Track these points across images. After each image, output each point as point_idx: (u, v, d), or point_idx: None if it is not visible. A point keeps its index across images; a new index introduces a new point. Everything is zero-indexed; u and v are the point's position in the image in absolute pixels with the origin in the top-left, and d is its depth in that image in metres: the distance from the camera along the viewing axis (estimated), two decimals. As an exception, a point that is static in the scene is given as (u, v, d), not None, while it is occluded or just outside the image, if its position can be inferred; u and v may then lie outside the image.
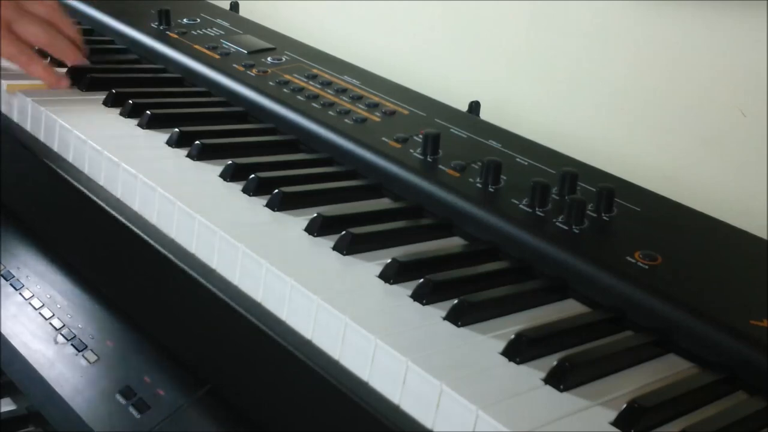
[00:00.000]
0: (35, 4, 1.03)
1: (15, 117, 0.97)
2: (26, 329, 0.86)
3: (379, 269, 0.69)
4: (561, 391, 0.58)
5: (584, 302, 0.71)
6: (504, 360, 0.61)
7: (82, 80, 1.02)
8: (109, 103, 0.97)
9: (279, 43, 1.18)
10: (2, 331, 0.87)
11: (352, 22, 1.36)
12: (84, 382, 0.80)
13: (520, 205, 0.78)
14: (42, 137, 0.93)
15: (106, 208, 0.82)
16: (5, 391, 0.89)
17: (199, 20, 1.24)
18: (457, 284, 0.68)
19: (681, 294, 0.67)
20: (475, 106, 1.04)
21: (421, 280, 0.67)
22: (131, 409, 0.76)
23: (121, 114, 0.95)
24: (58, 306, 0.88)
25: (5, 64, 1.01)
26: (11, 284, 0.91)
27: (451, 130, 0.94)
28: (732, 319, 0.64)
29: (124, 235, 0.80)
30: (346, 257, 0.72)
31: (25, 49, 1.00)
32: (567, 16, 1.09)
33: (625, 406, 0.56)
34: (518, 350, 0.61)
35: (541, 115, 1.12)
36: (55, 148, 0.91)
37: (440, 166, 0.85)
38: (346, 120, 0.94)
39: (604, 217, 0.78)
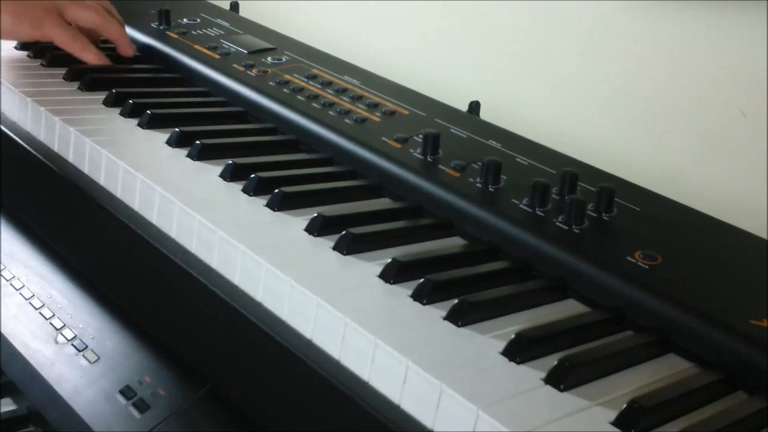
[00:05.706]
0: None
1: (15, 117, 0.97)
2: (26, 329, 0.86)
3: (379, 269, 0.69)
4: (561, 391, 0.58)
5: (584, 302, 0.71)
6: (504, 360, 0.61)
7: (82, 80, 1.02)
8: (109, 102, 0.97)
9: (279, 43, 1.18)
10: (2, 331, 0.87)
11: (352, 22, 1.36)
12: (84, 382, 0.80)
13: (520, 205, 0.78)
14: (42, 137, 0.93)
15: (106, 207, 0.82)
16: (5, 391, 0.89)
17: (199, 20, 1.24)
18: (457, 284, 0.68)
19: (681, 294, 0.67)
20: (475, 106, 1.04)
21: (421, 280, 0.67)
22: (131, 409, 0.76)
23: (122, 114, 0.95)
24: (58, 306, 0.88)
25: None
26: (11, 284, 0.91)
27: (451, 130, 0.94)
28: (732, 319, 0.64)
29: (124, 234, 0.80)
30: (346, 257, 0.72)
31: (79, 36, 1.06)
32: (567, 16, 1.09)
33: (625, 406, 0.56)
34: (518, 350, 0.61)
35: (541, 115, 1.12)
36: (55, 148, 0.91)
37: (440, 166, 0.85)
38: (346, 120, 0.94)
39: (604, 217, 0.78)
